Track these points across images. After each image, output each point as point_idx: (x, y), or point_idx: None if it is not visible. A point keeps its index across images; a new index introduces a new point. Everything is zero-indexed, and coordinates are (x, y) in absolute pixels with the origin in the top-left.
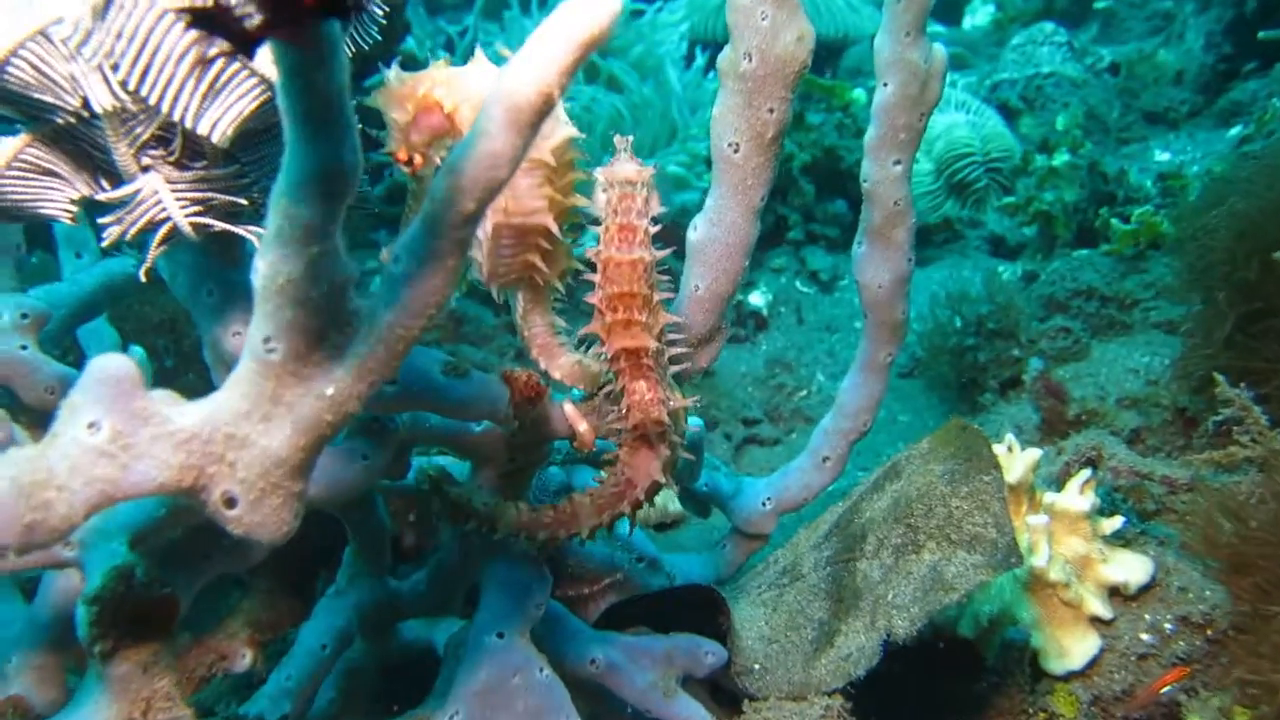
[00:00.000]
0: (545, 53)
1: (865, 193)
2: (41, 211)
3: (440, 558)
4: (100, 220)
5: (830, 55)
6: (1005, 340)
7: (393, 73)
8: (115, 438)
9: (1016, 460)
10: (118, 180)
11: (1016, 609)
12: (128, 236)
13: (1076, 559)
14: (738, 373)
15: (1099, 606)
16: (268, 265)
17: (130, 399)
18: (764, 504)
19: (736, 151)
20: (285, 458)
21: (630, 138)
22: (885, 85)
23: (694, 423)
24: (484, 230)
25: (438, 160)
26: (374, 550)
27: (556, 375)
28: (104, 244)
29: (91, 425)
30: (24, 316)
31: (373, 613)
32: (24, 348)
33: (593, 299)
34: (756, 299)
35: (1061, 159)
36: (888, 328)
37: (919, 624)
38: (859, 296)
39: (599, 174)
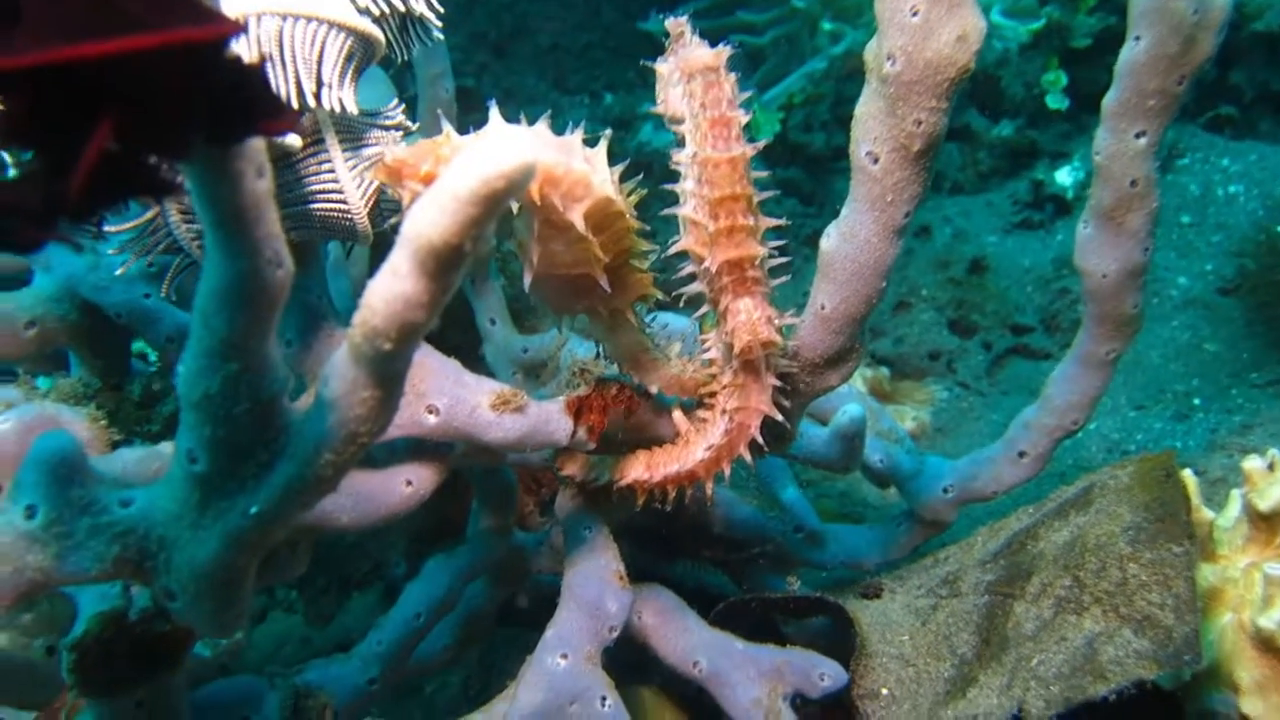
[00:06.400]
0: (449, 204)
1: (1096, 165)
2: None
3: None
4: (110, 252)
5: None
6: None
7: (389, 151)
8: (51, 525)
9: (1276, 483)
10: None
11: (1234, 668)
12: (145, 263)
13: None
14: (1019, 267)
15: None
16: (188, 375)
17: (69, 484)
18: (945, 491)
19: (875, 163)
20: (212, 570)
21: (686, 18)
22: (1137, 39)
23: (854, 410)
24: (526, 278)
25: None
26: (499, 506)
27: (653, 389)
28: (117, 273)
29: (29, 509)
30: (150, 265)
31: (495, 567)
32: (147, 296)
33: (682, 211)
34: (1063, 176)
35: None
36: (1112, 322)
37: (1056, 709)
38: (1080, 283)
39: (664, 67)
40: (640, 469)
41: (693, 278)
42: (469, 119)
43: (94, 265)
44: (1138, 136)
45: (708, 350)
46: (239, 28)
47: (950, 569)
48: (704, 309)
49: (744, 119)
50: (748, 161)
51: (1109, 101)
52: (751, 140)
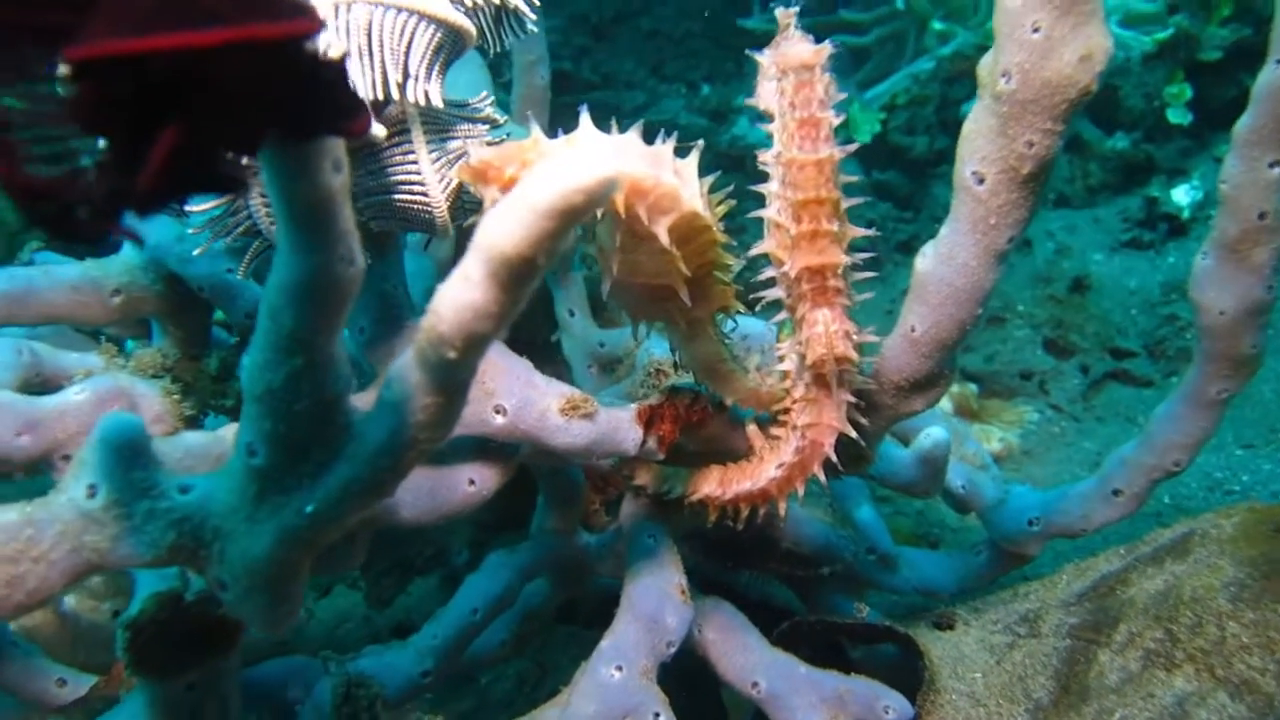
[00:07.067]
0: (525, 215)
1: (1222, 195)
2: None
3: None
4: (191, 230)
5: None
6: None
7: (474, 152)
8: (110, 506)
9: None
10: None
11: None
12: (223, 244)
13: None
14: (1124, 289)
15: None
16: (252, 367)
17: (131, 466)
18: (1030, 524)
19: (981, 183)
20: (265, 565)
21: (795, 9)
22: (1278, 63)
23: (938, 433)
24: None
25: None
26: (565, 504)
27: (729, 401)
28: (195, 253)
29: (90, 489)
30: (234, 241)
31: (557, 566)
32: (229, 271)
33: (767, 213)
34: (1180, 195)
35: None
36: (1227, 361)
37: None
38: (1194, 316)
39: (764, 59)
40: (713, 484)
41: (774, 282)
42: (563, 100)
43: (181, 237)
44: (1271, 166)
45: (782, 360)
46: (319, 25)
47: (1030, 606)
48: (782, 314)
49: (835, 121)
50: (835, 165)
51: (1241, 127)
52: (848, 141)
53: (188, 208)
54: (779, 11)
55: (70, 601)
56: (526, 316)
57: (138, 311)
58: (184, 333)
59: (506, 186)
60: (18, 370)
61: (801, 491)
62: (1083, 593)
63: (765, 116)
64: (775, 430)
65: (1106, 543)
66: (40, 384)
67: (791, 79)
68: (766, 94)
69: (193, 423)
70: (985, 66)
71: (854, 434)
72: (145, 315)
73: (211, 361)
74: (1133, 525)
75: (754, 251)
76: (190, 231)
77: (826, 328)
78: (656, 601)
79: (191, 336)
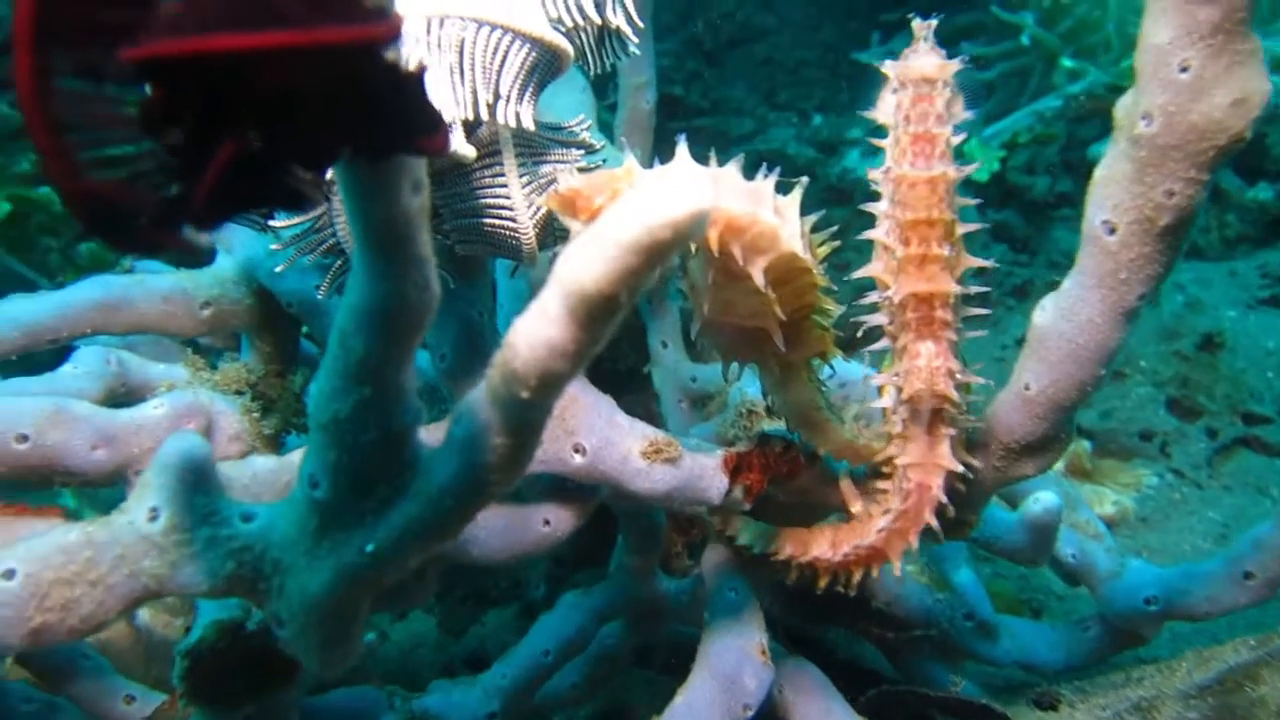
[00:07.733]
0: (609, 249)
1: None
2: None
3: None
4: (273, 247)
5: None
6: None
7: (563, 180)
8: (170, 531)
9: None
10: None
11: None
12: (307, 261)
13: None
14: (1260, 349)
15: None
16: (319, 395)
17: (194, 490)
18: (1147, 602)
19: (1112, 233)
20: (322, 603)
21: (933, 22)
22: None
23: (1049, 498)
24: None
25: None
26: (644, 545)
27: (822, 452)
28: (278, 269)
29: (152, 512)
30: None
31: (633, 610)
32: (318, 287)
33: (874, 234)
34: None
35: None
36: None
37: None
38: None
39: (887, 70)
40: (825, 546)
41: (877, 308)
42: (672, 125)
43: (272, 250)
44: None
45: (881, 394)
46: (397, 30)
47: (1144, 694)
48: (883, 342)
49: (953, 139)
50: (951, 185)
51: None
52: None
53: (272, 223)
54: (915, 23)
55: (144, 616)
56: (610, 342)
57: (227, 325)
58: (271, 348)
59: (594, 217)
60: (104, 380)
61: (915, 546)
62: (1205, 685)
63: (882, 130)
64: (881, 484)
65: (1233, 630)
66: (125, 394)
67: (910, 91)
68: (885, 107)
69: (273, 441)
70: (1123, 107)
71: (959, 468)
72: (234, 328)
73: (297, 379)
74: (1264, 613)
75: (858, 274)
76: (272, 248)
77: (929, 362)
78: (735, 661)
79: (278, 352)
